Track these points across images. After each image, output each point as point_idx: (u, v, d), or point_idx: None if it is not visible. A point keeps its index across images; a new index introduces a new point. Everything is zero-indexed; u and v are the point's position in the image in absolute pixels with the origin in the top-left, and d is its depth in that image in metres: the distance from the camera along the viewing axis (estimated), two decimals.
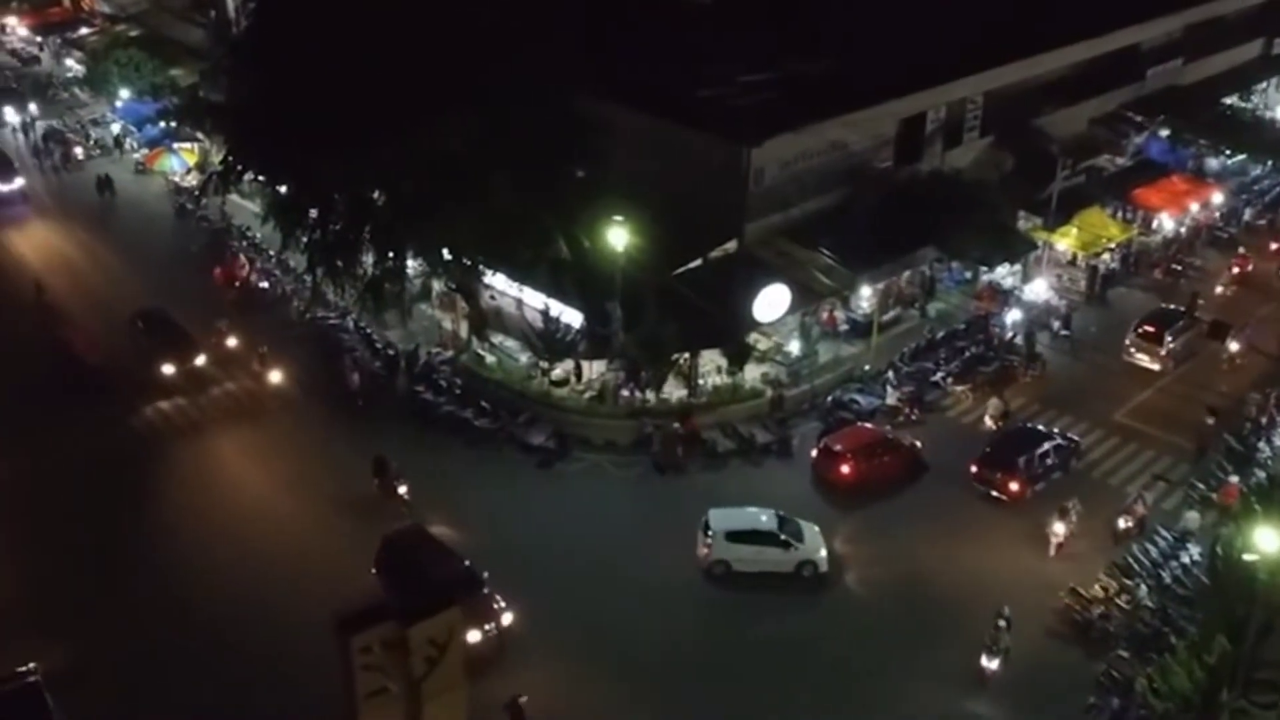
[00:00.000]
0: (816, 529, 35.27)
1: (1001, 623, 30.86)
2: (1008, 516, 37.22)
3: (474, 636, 29.45)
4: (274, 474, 39.00)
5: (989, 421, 41.35)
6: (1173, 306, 47.74)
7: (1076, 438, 40.17)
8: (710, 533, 34.42)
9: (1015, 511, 37.26)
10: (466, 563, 32.50)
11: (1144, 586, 32.89)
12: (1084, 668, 30.96)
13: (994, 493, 37.81)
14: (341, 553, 33.83)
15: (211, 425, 41.64)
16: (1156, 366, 45.05)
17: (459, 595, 28.11)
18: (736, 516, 35.05)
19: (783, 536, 34.46)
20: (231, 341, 44.70)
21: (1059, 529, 34.71)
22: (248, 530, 35.96)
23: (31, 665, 29.15)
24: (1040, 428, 40.37)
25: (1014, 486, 37.51)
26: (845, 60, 43.53)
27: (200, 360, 43.59)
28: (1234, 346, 45.15)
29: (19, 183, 58.46)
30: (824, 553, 34.62)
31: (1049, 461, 38.44)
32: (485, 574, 32.00)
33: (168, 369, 42.96)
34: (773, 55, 44.27)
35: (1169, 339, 45.14)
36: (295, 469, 39.06)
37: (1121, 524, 35.99)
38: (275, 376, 42.95)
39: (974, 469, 38.29)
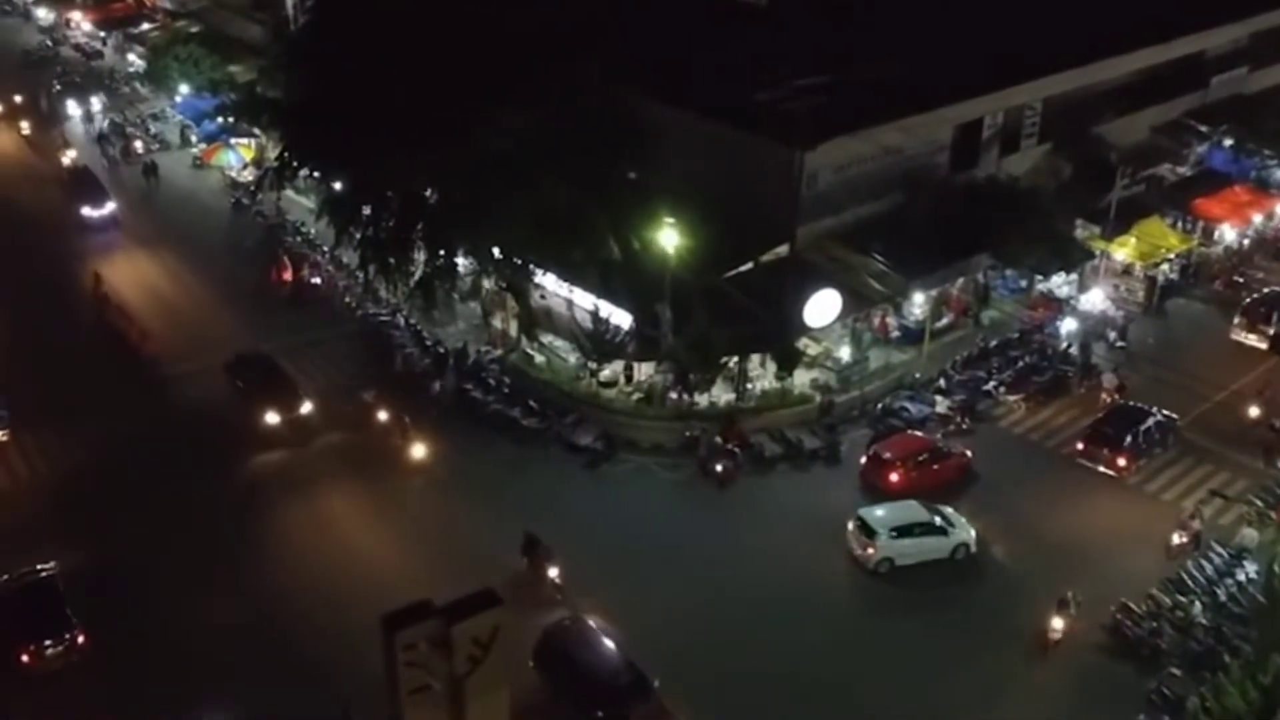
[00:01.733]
0: (951, 511, 36.04)
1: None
2: (1102, 484, 38.60)
3: None
4: (408, 542, 35.83)
5: (1105, 397, 42.38)
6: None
7: (1174, 415, 40.91)
8: (872, 533, 34.74)
9: (1113, 481, 38.80)
10: (634, 665, 29.76)
11: (1198, 603, 32.33)
12: (1135, 684, 30.41)
13: (1101, 468, 39.12)
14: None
15: (325, 481, 38.45)
16: (1264, 345, 45.93)
17: (628, 703, 28.62)
18: (892, 513, 35.45)
19: (939, 523, 35.14)
20: (382, 415, 40.59)
21: (1057, 623, 31.66)
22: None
23: (51, 563, 32.75)
24: (1142, 405, 41.06)
25: (1121, 462, 38.92)
26: (902, 64, 43.13)
27: (306, 409, 40.87)
28: None
29: (110, 207, 56.91)
30: (973, 533, 35.33)
31: (1154, 437, 39.73)
32: (656, 682, 29.42)
33: (271, 418, 40.21)
34: (828, 58, 44.00)
35: (1276, 318, 45.98)
36: (434, 539, 35.71)
37: (1176, 539, 35.37)
38: (419, 451, 39.17)
39: (1080, 446, 39.73)
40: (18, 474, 38.74)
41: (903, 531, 34.79)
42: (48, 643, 30.53)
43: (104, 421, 40.87)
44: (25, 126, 68.08)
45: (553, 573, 33.26)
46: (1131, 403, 41.56)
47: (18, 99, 70.75)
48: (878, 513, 35.41)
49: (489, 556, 32.93)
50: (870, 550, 34.72)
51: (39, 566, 32.71)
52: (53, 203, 58.42)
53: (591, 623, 31.13)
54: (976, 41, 45.17)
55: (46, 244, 54.36)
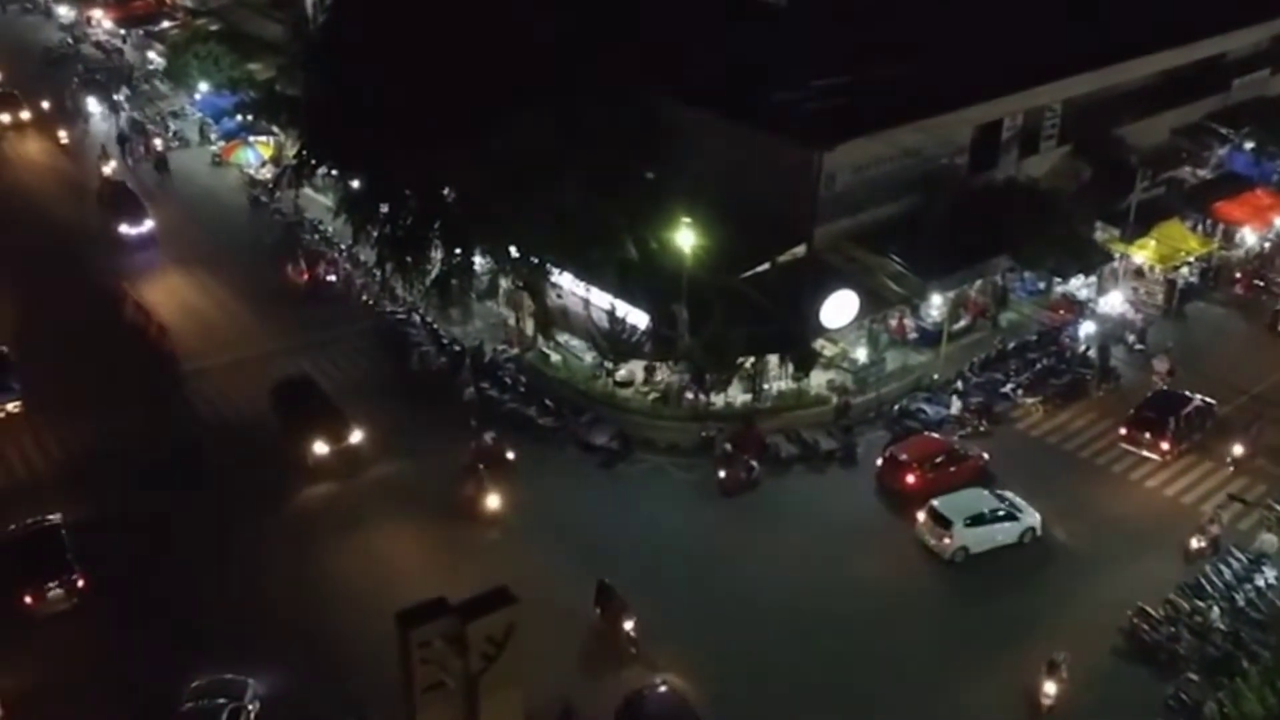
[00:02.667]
0: (1014, 495, 36.49)
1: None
2: (1120, 486, 38.83)
3: None
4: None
5: (1156, 380, 43.05)
6: None
7: (1213, 400, 41.33)
8: (948, 522, 35.11)
9: (1130, 483, 39.01)
10: None
11: (1216, 608, 32.10)
12: (1152, 689, 30.23)
13: (1145, 452, 39.79)
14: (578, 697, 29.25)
15: (378, 515, 36.95)
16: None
17: None
18: (965, 502, 35.87)
19: (1010, 509, 35.54)
20: (510, 455, 38.50)
21: (1050, 688, 29.83)
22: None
23: (56, 515, 35.07)
24: (1183, 391, 41.55)
25: (1165, 446, 39.58)
26: (921, 65, 42.97)
27: (355, 438, 39.27)
28: None
29: (149, 225, 55.37)
30: (1039, 517, 35.79)
31: (1195, 422, 40.35)
32: None
33: (319, 448, 38.78)
34: (847, 58, 43.84)
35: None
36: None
37: (1194, 543, 35.15)
38: (492, 502, 36.70)
39: (1123, 431, 40.38)
40: (26, 447, 40.12)
41: (976, 519, 35.22)
42: (49, 585, 32.56)
43: (118, 407, 41.42)
44: (63, 136, 67.73)
45: (628, 625, 31.10)
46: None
47: (45, 105, 70.81)
48: (951, 501, 35.80)
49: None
50: (946, 540, 35.07)
51: (44, 517, 35.07)
52: (90, 217, 57.06)
53: (679, 691, 29.30)
54: (996, 42, 44.94)
55: (82, 260, 53.25)
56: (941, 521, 35.28)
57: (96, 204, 57.98)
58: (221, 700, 28.87)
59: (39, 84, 73.44)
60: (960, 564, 34.99)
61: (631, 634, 31.09)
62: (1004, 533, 35.46)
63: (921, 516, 35.80)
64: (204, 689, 29.31)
